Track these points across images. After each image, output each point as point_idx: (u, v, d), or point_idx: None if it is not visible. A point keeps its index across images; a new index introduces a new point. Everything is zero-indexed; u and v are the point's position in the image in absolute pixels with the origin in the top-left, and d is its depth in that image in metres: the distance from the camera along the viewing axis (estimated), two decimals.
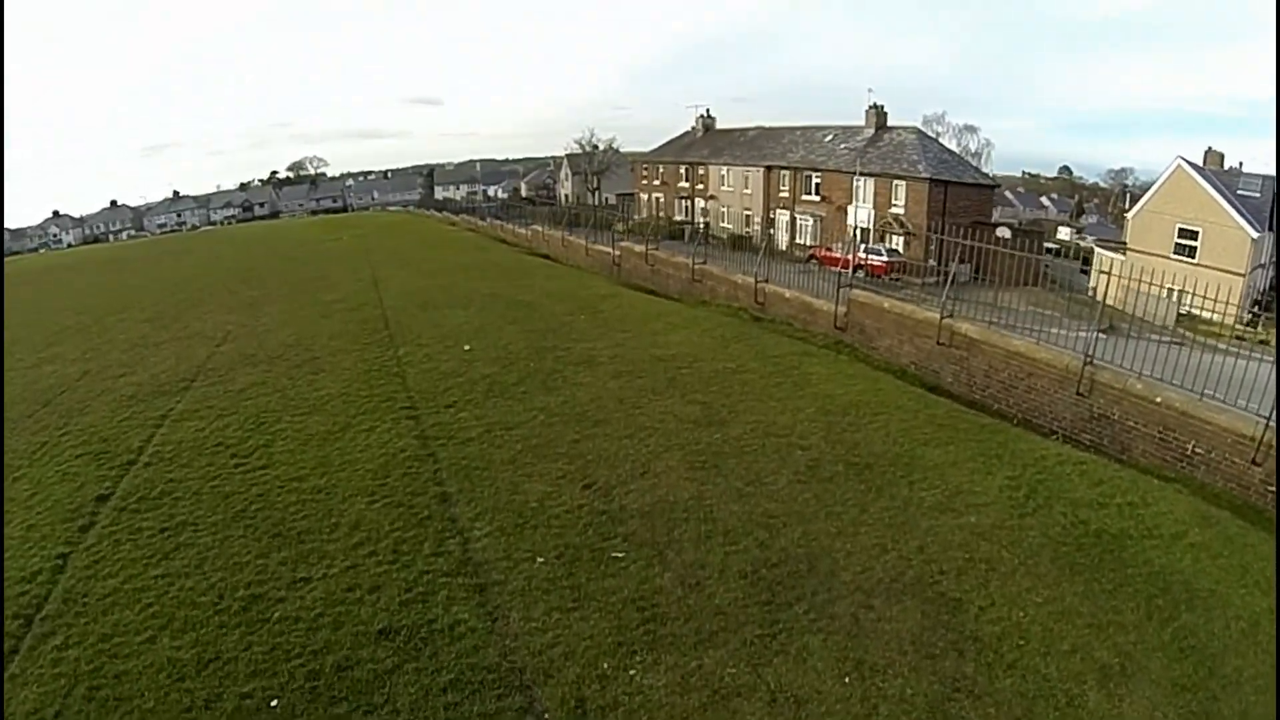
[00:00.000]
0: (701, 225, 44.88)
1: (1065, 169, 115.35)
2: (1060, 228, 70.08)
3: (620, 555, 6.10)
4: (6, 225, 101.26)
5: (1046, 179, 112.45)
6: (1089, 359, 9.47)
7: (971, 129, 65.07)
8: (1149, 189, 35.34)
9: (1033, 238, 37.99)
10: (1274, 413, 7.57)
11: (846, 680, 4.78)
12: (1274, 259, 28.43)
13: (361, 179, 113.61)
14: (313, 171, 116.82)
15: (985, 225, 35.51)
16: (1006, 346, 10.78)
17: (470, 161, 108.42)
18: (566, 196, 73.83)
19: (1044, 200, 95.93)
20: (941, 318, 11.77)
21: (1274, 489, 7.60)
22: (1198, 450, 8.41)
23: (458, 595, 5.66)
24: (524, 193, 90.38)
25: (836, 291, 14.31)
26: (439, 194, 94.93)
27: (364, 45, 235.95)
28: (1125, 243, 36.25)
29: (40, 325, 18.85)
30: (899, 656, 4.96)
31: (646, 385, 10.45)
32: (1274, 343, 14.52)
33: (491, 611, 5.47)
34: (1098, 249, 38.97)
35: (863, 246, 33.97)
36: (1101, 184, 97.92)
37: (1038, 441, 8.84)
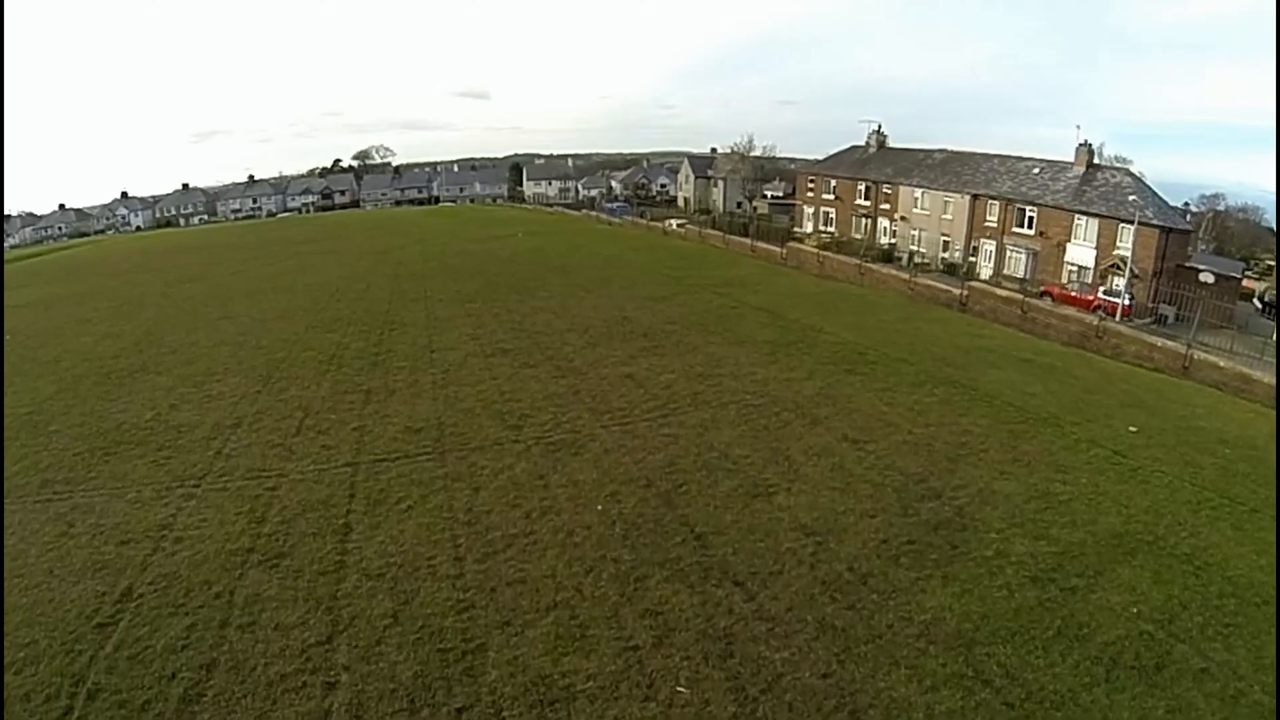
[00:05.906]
0: (889, 245, 44.53)
1: None
2: None
3: None
4: (71, 206, 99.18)
5: None
6: None
7: (1124, 160, 64.49)
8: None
9: (1232, 283, 38.21)
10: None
11: None
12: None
13: (430, 169, 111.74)
14: (379, 160, 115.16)
15: (1185, 269, 35.62)
16: None
17: (561, 156, 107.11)
18: (686, 199, 72.68)
19: None
20: None
21: None
22: None
23: None
24: (618, 191, 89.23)
25: None
26: (529, 189, 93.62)
27: (415, 37, 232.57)
28: None
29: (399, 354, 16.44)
30: None
31: None
32: None
33: None
34: None
35: (1100, 288, 34.31)
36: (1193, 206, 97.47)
37: None
